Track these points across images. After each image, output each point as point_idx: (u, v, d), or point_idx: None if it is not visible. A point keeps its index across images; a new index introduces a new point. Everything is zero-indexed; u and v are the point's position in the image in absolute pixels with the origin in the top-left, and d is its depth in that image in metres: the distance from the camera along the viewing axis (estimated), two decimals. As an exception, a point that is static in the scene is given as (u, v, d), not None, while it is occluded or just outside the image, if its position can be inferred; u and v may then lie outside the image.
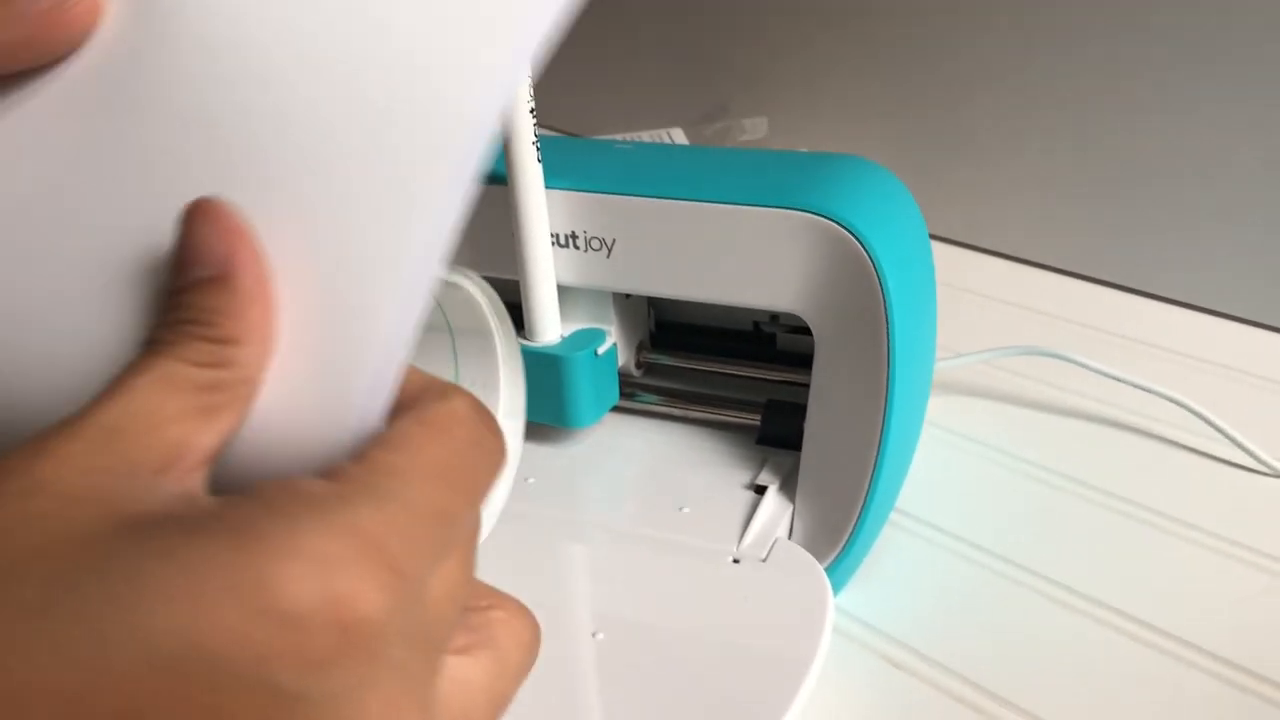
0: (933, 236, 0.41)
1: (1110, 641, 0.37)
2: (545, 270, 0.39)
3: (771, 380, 0.44)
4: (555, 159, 0.39)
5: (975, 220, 0.69)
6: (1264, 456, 0.45)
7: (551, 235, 0.40)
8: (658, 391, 0.46)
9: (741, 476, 0.41)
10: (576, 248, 0.40)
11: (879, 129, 0.71)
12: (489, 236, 0.41)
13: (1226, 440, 0.46)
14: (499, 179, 0.39)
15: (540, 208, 0.38)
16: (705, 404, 0.45)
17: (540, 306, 0.40)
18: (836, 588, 0.38)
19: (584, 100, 0.91)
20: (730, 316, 0.46)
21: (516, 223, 0.38)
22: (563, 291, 0.41)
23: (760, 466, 0.41)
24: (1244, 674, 0.35)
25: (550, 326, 0.40)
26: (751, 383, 0.45)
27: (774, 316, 0.45)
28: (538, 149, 0.37)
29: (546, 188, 0.39)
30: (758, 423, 0.43)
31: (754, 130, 0.76)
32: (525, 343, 0.40)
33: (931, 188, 0.69)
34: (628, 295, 0.43)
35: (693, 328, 0.47)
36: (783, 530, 0.38)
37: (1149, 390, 0.48)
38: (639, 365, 0.45)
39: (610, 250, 0.40)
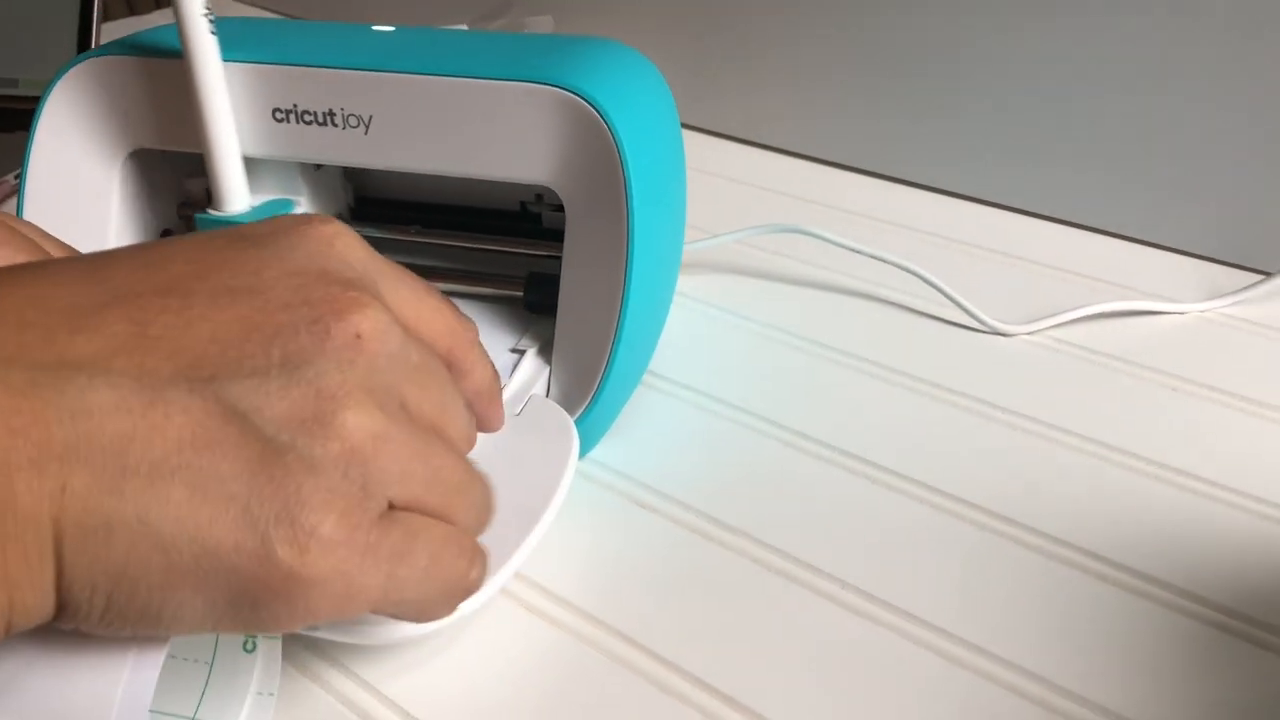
0: (695, 128, 0.44)
1: (839, 478, 0.41)
2: (228, 142, 0.40)
3: (535, 255, 0.46)
4: (320, 40, 0.39)
5: (737, 113, 0.72)
6: (982, 316, 0.50)
7: (308, 111, 0.41)
8: (422, 271, 0.47)
9: (508, 342, 0.44)
10: (335, 125, 0.41)
11: (657, 26, 0.74)
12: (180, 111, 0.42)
13: (951, 304, 0.51)
14: (177, 54, 0.40)
15: (217, 80, 0.39)
16: (472, 279, 0.47)
17: (226, 178, 0.41)
18: (591, 440, 0.41)
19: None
20: (494, 196, 0.48)
21: (195, 97, 0.39)
22: (250, 164, 0.42)
23: (523, 334, 0.44)
24: (947, 499, 0.40)
25: (238, 198, 0.41)
26: (516, 258, 0.47)
27: (539, 196, 0.47)
28: (210, 22, 0.38)
29: (314, 65, 0.40)
30: (522, 294, 0.45)
31: (538, 28, 0.77)
32: (213, 213, 0.41)
33: (702, 84, 0.72)
34: (318, 167, 0.45)
35: (460, 208, 0.49)
36: (540, 389, 0.41)
37: (885, 260, 0.53)
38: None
39: (368, 127, 0.41)
